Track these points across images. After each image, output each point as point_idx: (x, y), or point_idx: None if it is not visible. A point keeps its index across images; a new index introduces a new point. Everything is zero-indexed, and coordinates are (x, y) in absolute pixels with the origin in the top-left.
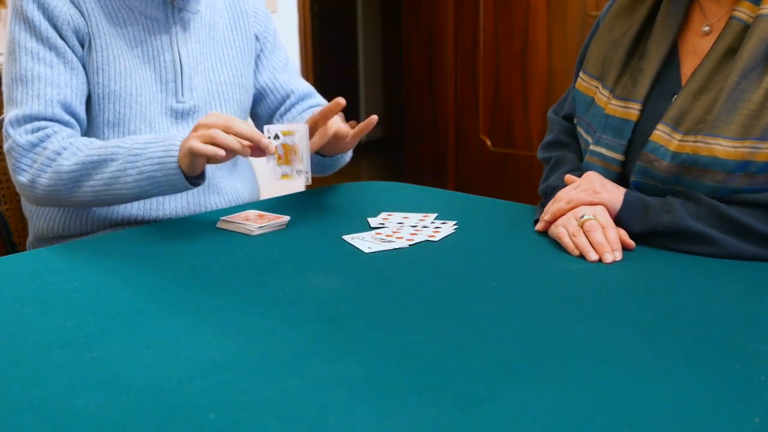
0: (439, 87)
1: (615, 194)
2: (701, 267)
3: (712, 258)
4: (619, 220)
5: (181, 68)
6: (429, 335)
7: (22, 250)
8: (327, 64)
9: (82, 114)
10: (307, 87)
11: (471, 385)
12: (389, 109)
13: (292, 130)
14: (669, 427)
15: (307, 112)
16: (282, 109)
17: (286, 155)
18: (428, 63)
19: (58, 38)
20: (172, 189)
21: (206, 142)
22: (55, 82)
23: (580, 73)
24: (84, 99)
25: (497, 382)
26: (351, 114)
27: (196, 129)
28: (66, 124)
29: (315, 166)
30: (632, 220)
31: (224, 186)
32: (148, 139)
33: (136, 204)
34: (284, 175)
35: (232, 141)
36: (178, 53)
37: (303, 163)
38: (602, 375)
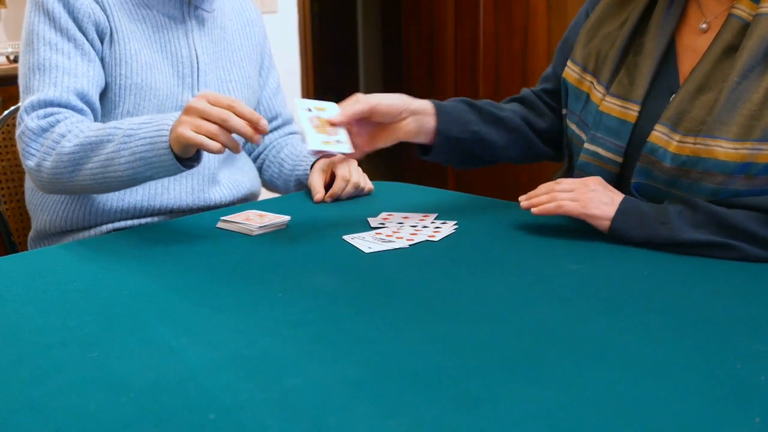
0: (439, 87)
1: (606, 209)
2: (701, 267)
3: (713, 258)
4: (613, 231)
5: (198, 64)
6: (429, 335)
7: (22, 250)
8: (327, 64)
9: (98, 104)
10: (290, 113)
11: (471, 385)
12: None
13: (324, 106)
14: (669, 427)
15: (288, 137)
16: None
17: (322, 126)
18: (428, 63)
19: (78, 31)
20: (165, 171)
21: (198, 132)
22: (72, 71)
23: (568, 62)
24: (99, 90)
25: (497, 382)
26: None
27: (188, 111)
28: (80, 111)
29: (285, 182)
30: (627, 230)
31: (223, 177)
32: (143, 119)
33: (137, 193)
34: (326, 142)
35: (229, 140)
36: (195, 49)
37: (340, 134)
38: (602, 375)
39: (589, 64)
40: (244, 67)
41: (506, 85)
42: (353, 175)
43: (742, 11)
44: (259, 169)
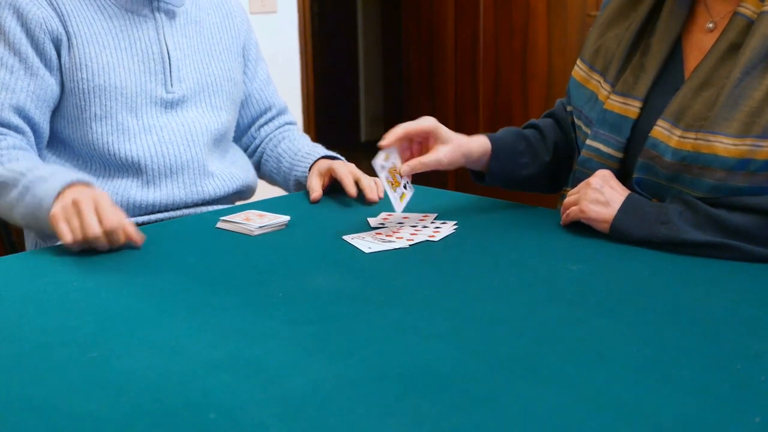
0: (439, 87)
1: (602, 211)
2: (701, 267)
3: (712, 258)
4: (613, 229)
5: (169, 59)
6: (429, 335)
7: (21, 250)
8: (327, 64)
9: (38, 118)
10: (283, 103)
11: (471, 385)
12: (389, 109)
13: (387, 154)
14: (669, 427)
15: (284, 128)
16: (262, 120)
17: (393, 178)
18: (428, 63)
19: (29, 45)
20: (53, 233)
21: (69, 218)
22: (10, 87)
23: (578, 61)
24: (45, 105)
25: (497, 382)
26: (351, 114)
27: (76, 203)
28: (15, 129)
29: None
30: (626, 228)
31: (216, 170)
32: (43, 174)
33: (133, 189)
34: (402, 196)
35: (83, 243)
36: (165, 45)
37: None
38: (602, 375)
39: (597, 63)
40: (224, 60)
41: (506, 85)
42: (355, 172)
43: (748, 9)
44: (258, 163)
